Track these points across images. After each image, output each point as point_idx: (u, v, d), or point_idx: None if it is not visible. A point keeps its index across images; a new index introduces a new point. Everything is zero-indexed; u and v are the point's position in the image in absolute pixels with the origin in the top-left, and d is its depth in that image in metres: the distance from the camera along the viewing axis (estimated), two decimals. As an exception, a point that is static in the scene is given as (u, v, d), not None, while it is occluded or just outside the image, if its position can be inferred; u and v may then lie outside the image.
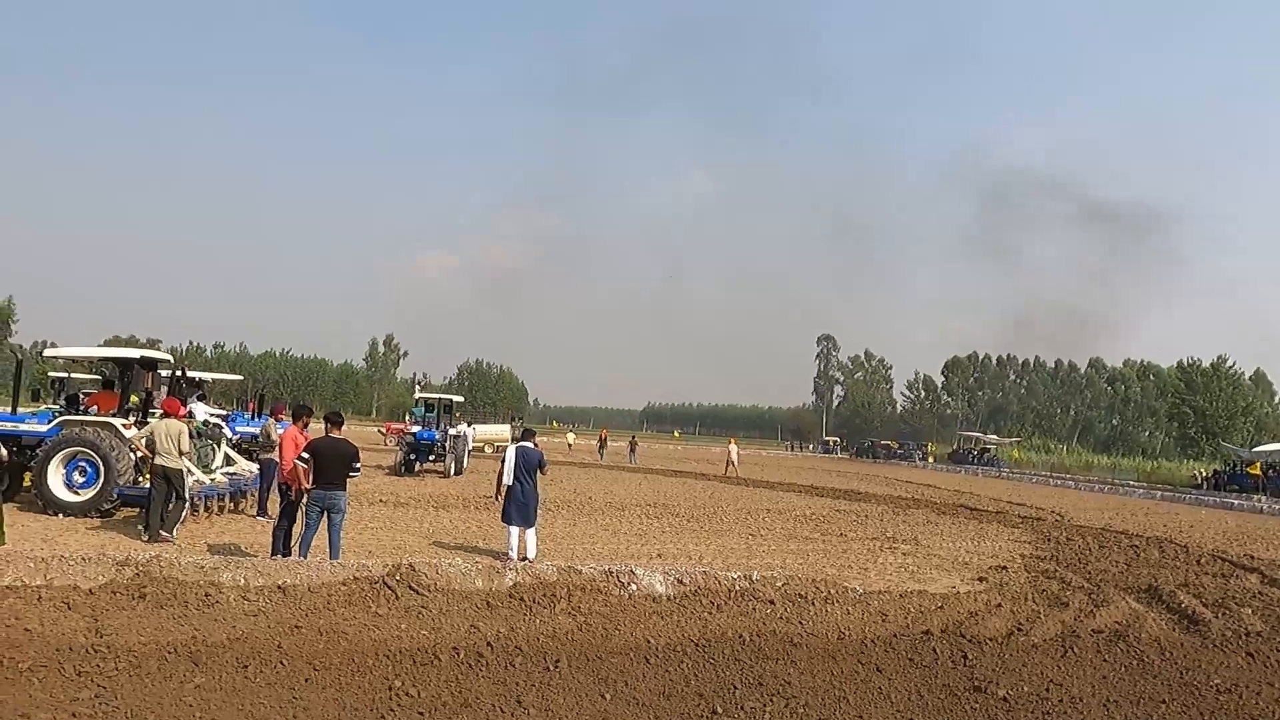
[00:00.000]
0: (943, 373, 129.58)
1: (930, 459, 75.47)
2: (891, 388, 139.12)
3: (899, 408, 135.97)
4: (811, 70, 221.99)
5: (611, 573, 8.08)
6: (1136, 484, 47.51)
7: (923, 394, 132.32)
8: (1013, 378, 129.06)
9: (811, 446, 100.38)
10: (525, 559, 10.49)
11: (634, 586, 7.95)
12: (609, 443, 48.06)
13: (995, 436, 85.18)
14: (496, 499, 11.24)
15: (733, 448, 39.01)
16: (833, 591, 8.19)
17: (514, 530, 10.89)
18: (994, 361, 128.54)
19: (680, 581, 8.10)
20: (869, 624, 7.75)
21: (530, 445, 11.42)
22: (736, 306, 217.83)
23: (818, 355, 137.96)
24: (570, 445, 55.71)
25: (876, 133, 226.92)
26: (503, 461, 11.10)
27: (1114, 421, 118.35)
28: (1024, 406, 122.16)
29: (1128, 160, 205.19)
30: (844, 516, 19.88)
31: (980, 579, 11.36)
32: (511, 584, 7.77)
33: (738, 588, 8.07)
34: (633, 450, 45.52)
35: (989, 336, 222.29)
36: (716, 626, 7.37)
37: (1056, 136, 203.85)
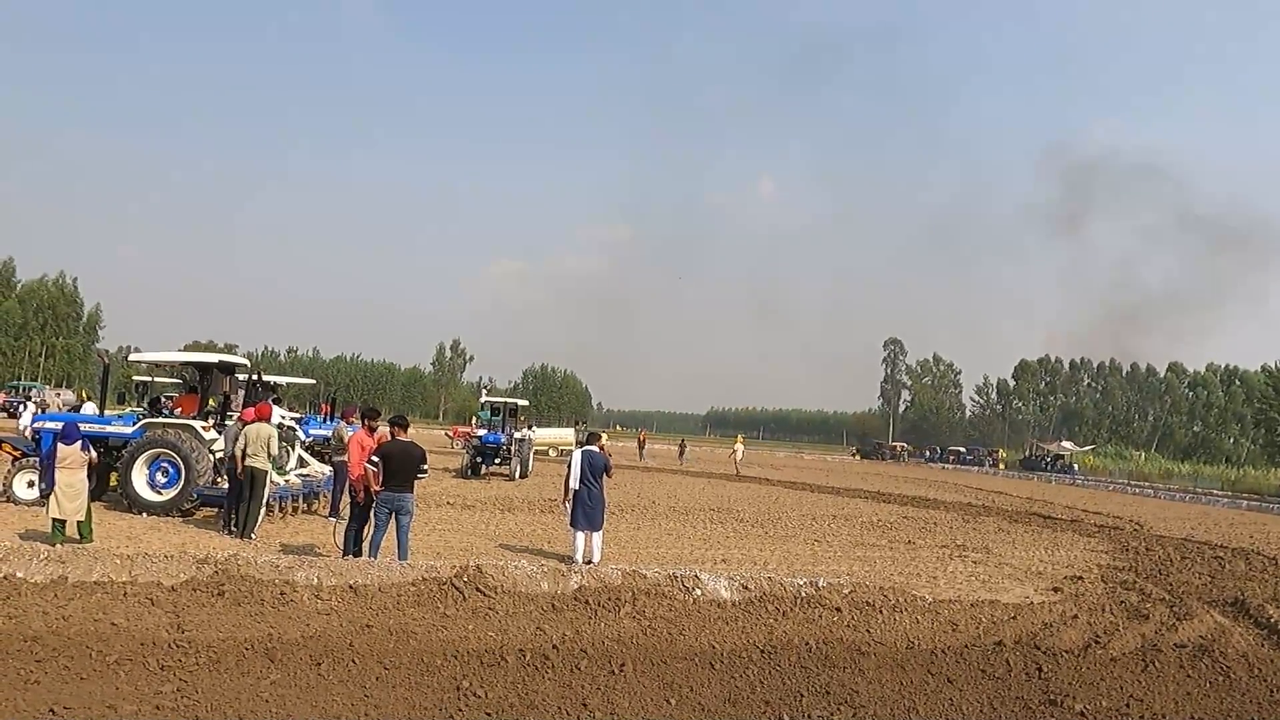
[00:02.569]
0: (1013, 377, 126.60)
1: (1000, 465, 73.75)
2: (960, 392, 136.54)
3: (968, 413, 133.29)
4: (881, 70, 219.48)
5: (676, 577, 8.06)
6: (1220, 493, 45.78)
7: (993, 399, 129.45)
8: (1087, 382, 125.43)
9: (883, 453, 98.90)
10: (590, 562, 10.53)
11: (699, 591, 7.92)
12: (647, 445, 48.14)
13: (1070, 443, 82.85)
14: (564, 504, 11.29)
15: (738, 446, 39.83)
16: (901, 600, 8.04)
17: (580, 534, 10.95)
18: (1066, 365, 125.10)
19: (745, 587, 8.05)
20: (939, 634, 7.59)
21: (595, 449, 11.47)
22: (804, 310, 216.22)
23: (884, 359, 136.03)
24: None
25: (944, 134, 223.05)
26: (569, 465, 11.16)
27: (1195, 428, 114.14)
28: (1100, 412, 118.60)
29: (1213, 160, 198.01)
30: (912, 523, 19.54)
31: (1055, 589, 11.05)
32: (576, 587, 7.80)
33: (803, 594, 7.98)
34: (682, 452, 45.73)
35: (1064, 340, 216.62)
36: (782, 633, 7.30)
37: (1139, 136, 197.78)
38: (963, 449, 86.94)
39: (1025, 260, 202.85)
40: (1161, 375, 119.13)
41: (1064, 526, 20.84)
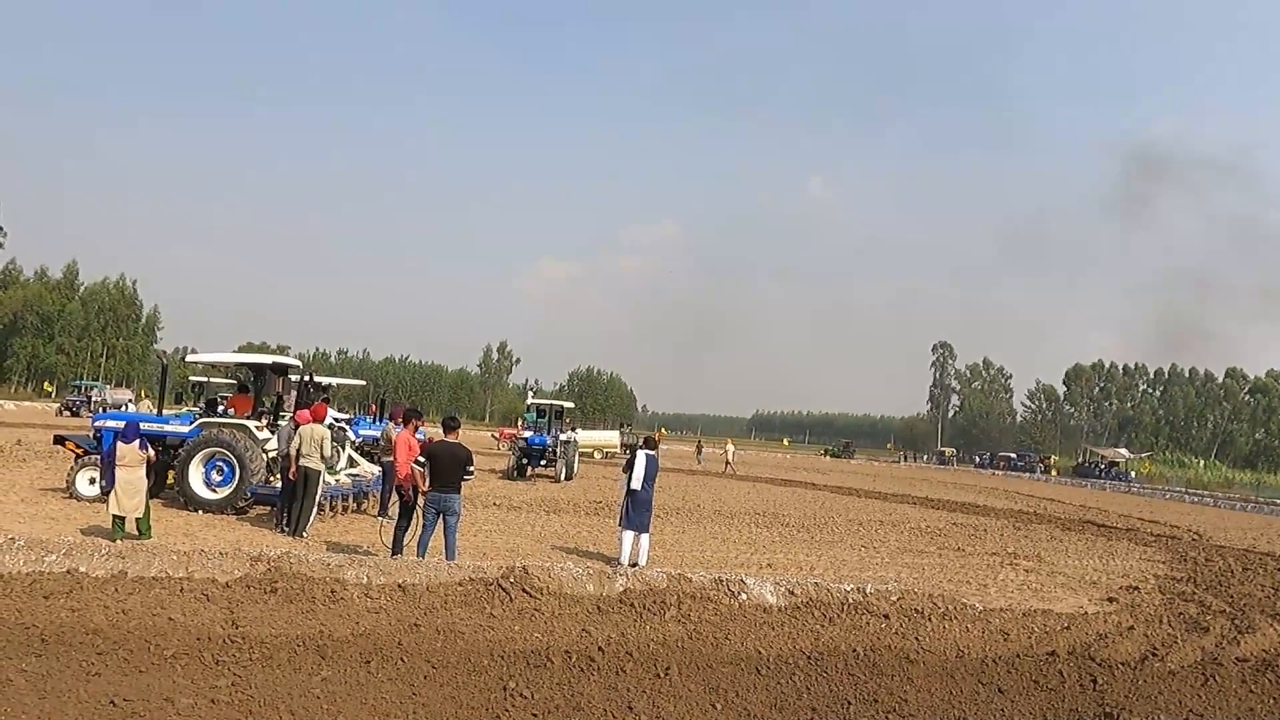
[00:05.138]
0: (1065, 382, 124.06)
1: (1052, 472, 72.30)
2: (1011, 397, 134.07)
3: (1019, 418, 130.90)
4: (935, 71, 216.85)
5: (721, 581, 8.03)
6: (1284, 502, 44.32)
7: (1044, 404, 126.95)
8: (1143, 388, 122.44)
9: (925, 457, 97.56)
10: (635, 565, 10.54)
11: (744, 596, 7.89)
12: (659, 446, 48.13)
13: (1125, 450, 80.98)
14: (625, 506, 11.21)
15: (730, 447, 43.22)
16: (950, 607, 7.93)
17: (630, 535, 10.98)
18: (1121, 370, 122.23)
19: (791, 592, 7.99)
20: (989, 643, 7.46)
21: (654, 452, 11.52)
22: (852, 312, 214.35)
23: (933, 363, 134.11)
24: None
25: (992, 135, 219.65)
26: (631, 466, 11.15)
27: (1258, 435, 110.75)
28: (1157, 418, 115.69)
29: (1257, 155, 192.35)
30: (961, 530, 19.24)
31: (1110, 599, 10.79)
32: (622, 589, 7.82)
33: (851, 600, 7.91)
34: (699, 453, 46.03)
35: (1118, 344, 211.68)
36: (829, 639, 7.24)
37: (1193, 132, 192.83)
38: (1013, 455, 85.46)
39: (1079, 263, 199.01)
40: (1220, 380, 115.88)
41: (1119, 535, 20.36)
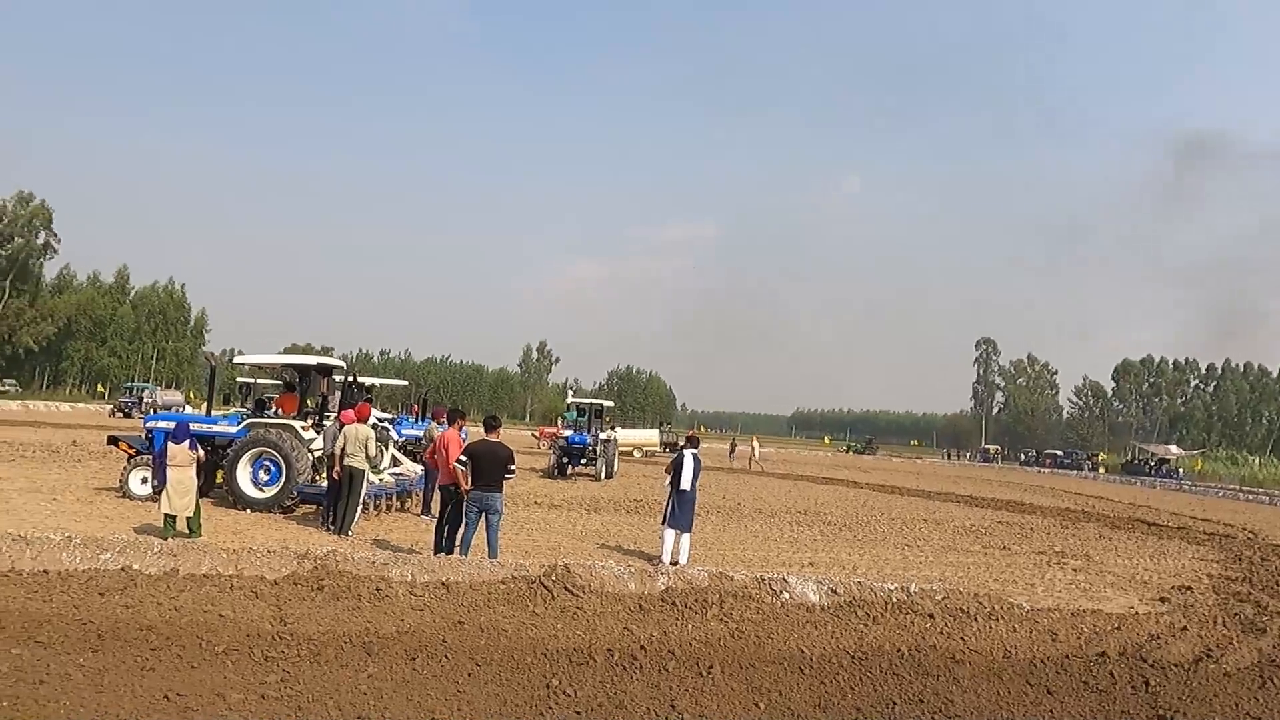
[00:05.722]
0: (1113, 378, 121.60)
1: (1100, 469, 70.96)
2: (1057, 394, 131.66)
3: (1065, 415, 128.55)
4: (974, 66, 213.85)
5: (764, 580, 8.00)
6: (1344, 500, 43.01)
7: (1091, 400, 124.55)
8: (1195, 383, 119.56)
9: (969, 455, 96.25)
10: (676, 563, 10.54)
11: (786, 595, 7.85)
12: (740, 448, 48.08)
13: (1176, 447, 79.21)
14: (672, 505, 11.19)
15: (755, 444, 42.60)
16: (997, 607, 7.81)
17: (672, 534, 10.98)
18: (1171, 366, 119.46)
19: (834, 591, 7.93)
20: (1037, 643, 7.34)
21: (697, 451, 11.52)
22: (893, 309, 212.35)
23: (976, 360, 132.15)
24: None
25: (1034, 127, 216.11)
26: (679, 466, 11.13)
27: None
28: (1209, 414, 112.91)
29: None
30: (1006, 529, 18.96)
31: (1161, 599, 10.58)
32: (663, 588, 7.82)
33: (894, 600, 7.83)
34: (732, 450, 45.85)
35: (1168, 338, 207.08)
36: (873, 639, 7.17)
37: (1242, 120, 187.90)
38: (1060, 452, 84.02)
39: (1126, 257, 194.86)
40: (1275, 375, 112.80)
41: (1170, 534, 19.93)
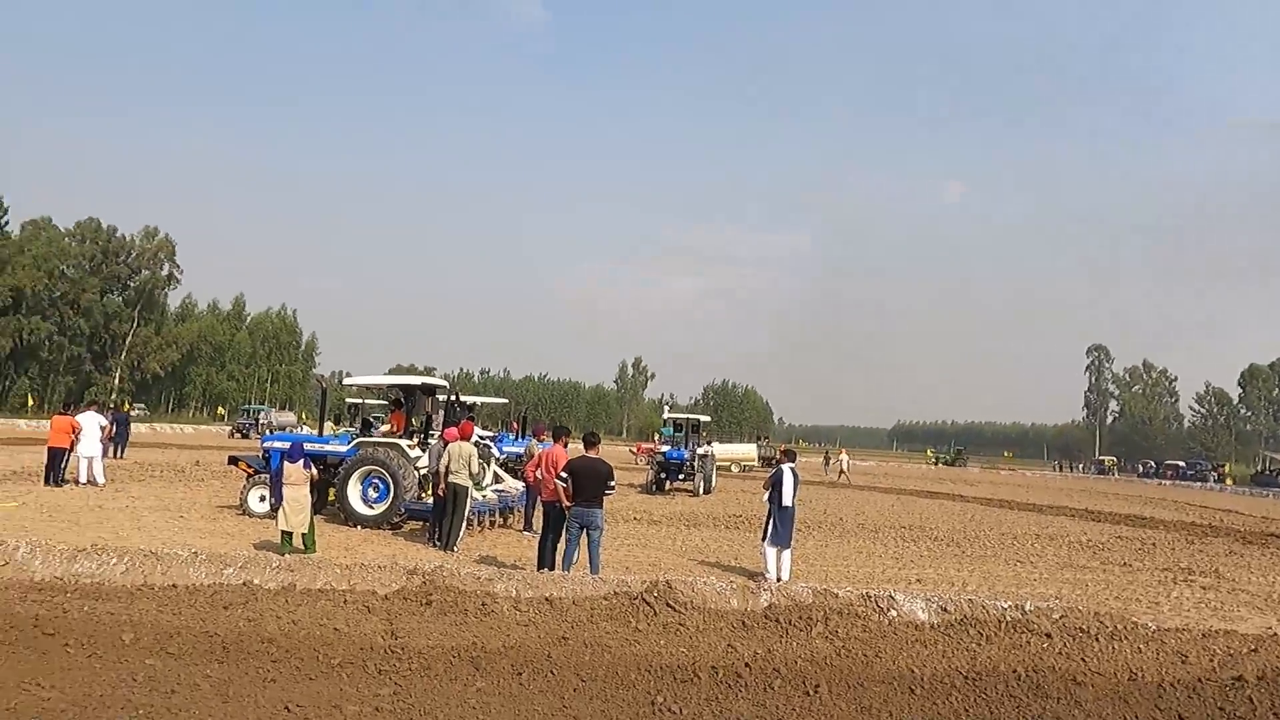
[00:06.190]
0: (1239, 384, 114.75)
1: (1227, 481, 66.97)
2: (1176, 401, 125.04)
3: (1186, 424, 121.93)
4: (1083, 66, 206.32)
5: (870, 597, 7.82)
6: None
7: (1215, 408, 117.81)
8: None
9: (1082, 466, 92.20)
10: (780, 580, 10.41)
11: (894, 612, 7.65)
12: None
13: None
14: (773, 521, 11.07)
15: (844, 456, 42.89)
16: (1120, 627, 7.43)
17: (773, 551, 10.86)
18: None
19: (944, 609, 7.69)
20: (1165, 665, 6.95)
21: (794, 465, 11.40)
22: (998, 317, 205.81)
23: (1088, 367, 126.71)
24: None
25: (1147, 128, 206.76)
26: (779, 482, 11.01)
27: None
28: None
29: None
30: (1127, 544, 18.07)
31: (1303, 620, 9.90)
32: (767, 605, 7.72)
33: (1009, 618, 7.54)
34: (827, 463, 45.46)
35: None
36: (986, 659, 6.91)
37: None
38: (1182, 463, 79.67)
39: (1250, 256, 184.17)
40: None
41: (1310, 549, 18.65)
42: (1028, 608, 7.70)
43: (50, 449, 17.24)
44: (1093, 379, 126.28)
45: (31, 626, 6.43)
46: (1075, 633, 7.30)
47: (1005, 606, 7.71)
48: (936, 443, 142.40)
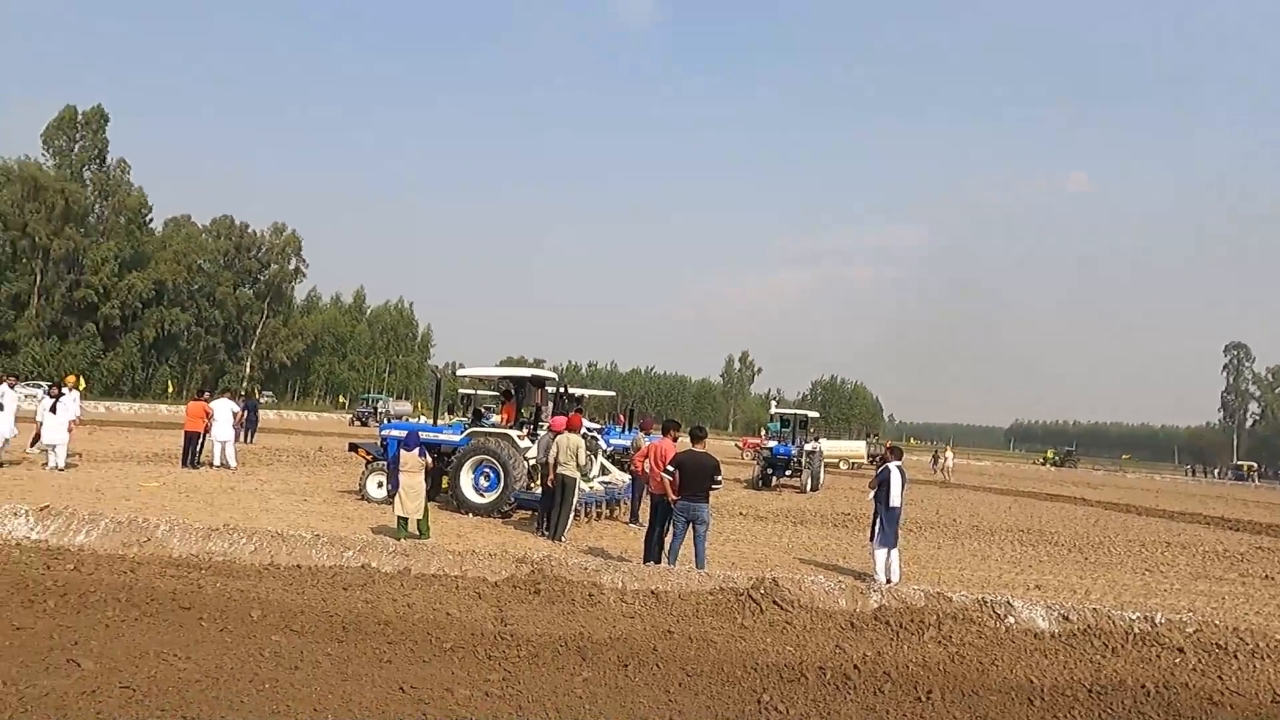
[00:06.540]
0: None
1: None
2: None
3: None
4: (1214, 53, 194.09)
5: (985, 602, 7.55)
6: None
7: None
8: None
9: (1218, 471, 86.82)
10: (890, 581, 10.17)
11: (1011, 619, 7.36)
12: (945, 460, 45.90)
13: None
14: (880, 521, 10.85)
15: (948, 454, 41.11)
16: (1262, 644, 6.95)
17: (883, 552, 10.62)
18: None
19: (1066, 618, 7.36)
20: (1313, 687, 6.47)
21: (900, 463, 11.13)
22: (1125, 313, 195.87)
23: (1225, 367, 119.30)
24: None
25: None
26: (886, 481, 10.77)
27: None
28: None
29: None
30: (1268, 555, 16.91)
31: None
32: (877, 606, 7.55)
33: (1136, 630, 7.15)
34: (935, 461, 43.68)
35: None
36: (1112, 672, 6.57)
37: None
38: (1330, 470, 74.12)
39: None
40: None
41: None
42: (1158, 620, 7.28)
43: (186, 433, 18.33)
44: (1231, 379, 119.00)
45: (170, 600, 6.84)
46: (1211, 648, 6.86)
47: (1133, 618, 7.32)
48: (1057, 443, 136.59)
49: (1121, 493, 40.14)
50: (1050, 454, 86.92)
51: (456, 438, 14.76)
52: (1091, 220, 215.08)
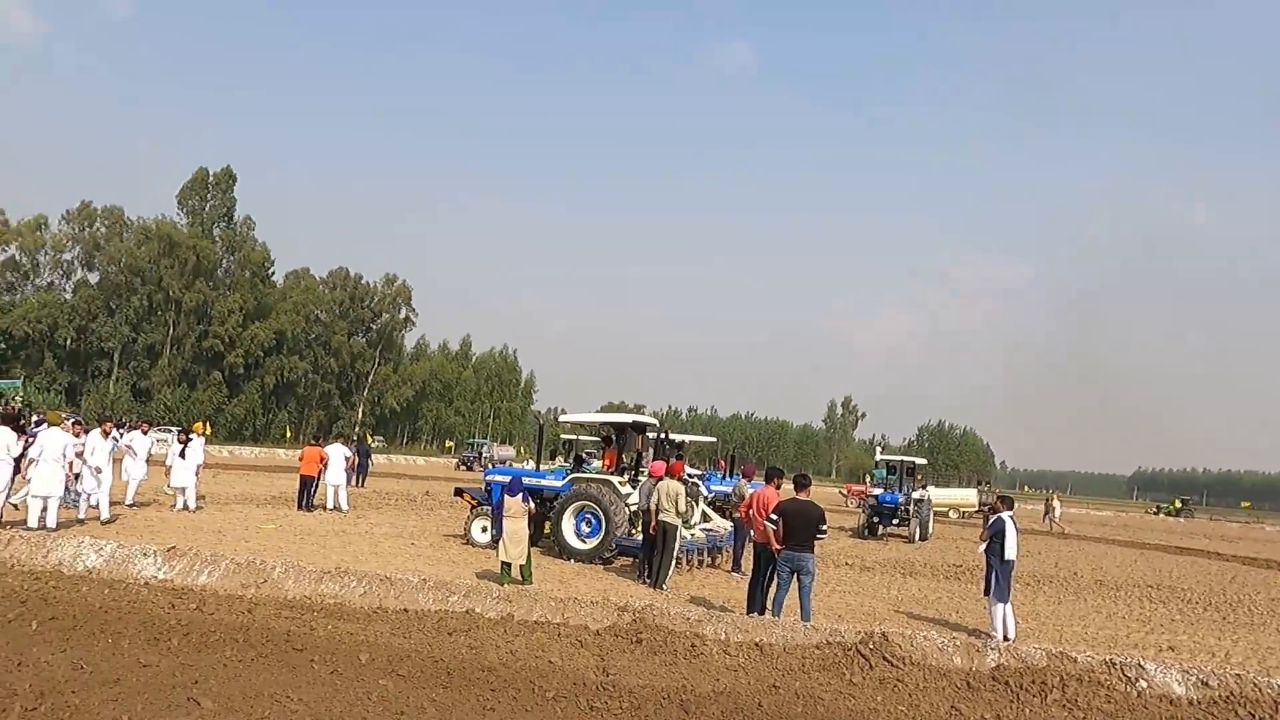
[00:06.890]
0: None
1: None
2: None
3: None
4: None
5: (1114, 664, 7.10)
6: None
7: None
8: None
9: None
10: (1008, 639, 9.67)
11: (1144, 683, 6.89)
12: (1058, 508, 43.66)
13: None
14: (995, 575, 10.36)
15: (1056, 504, 39.47)
16: None
17: (1001, 607, 10.12)
18: None
19: (1205, 683, 6.85)
20: None
21: (1012, 513, 10.66)
22: (1256, 352, 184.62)
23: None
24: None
25: None
26: (1002, 533, 10.31)
27: None
28: None
29: None
30: None
31: None
32: (994, 665, 7.19)
33: (1286, 699, 6.60)
34: (1047, 511, 41.48)
35: None
36: (1259, 745, 6.07)
37: None
38: None
39: None
40: None
41: None
42: (1311, 688, 6.71)
43: (302, 477, 19.02)
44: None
45: (284, 642, 7.04)
46: (1373, 722, 6.28)
47: (1282, 685, 6.76)
48: (1184, 491, 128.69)
49: (1260, 546, 37.43)
50: (1176, 503, 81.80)
51: (559, 483, 14.85)
52: (1215, 253, 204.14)
